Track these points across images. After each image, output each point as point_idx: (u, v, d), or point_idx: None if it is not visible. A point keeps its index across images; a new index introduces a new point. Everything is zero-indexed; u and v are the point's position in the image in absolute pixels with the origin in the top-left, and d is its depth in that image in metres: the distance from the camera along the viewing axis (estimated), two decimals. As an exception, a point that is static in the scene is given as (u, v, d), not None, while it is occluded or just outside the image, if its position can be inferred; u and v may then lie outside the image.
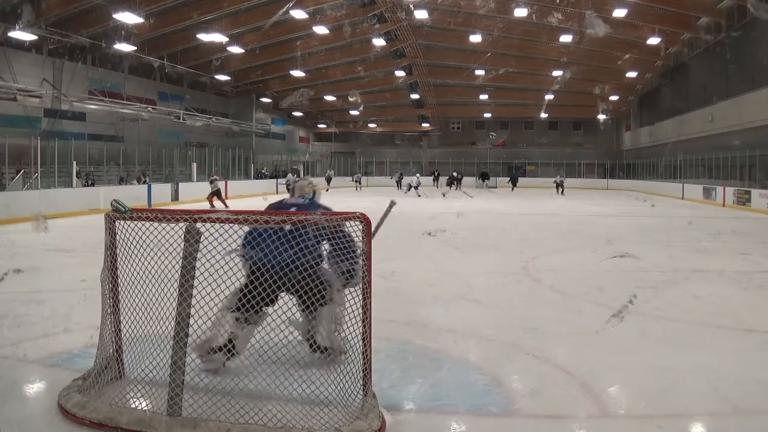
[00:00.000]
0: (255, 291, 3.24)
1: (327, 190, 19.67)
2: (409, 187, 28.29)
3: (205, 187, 22.44)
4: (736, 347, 4.45)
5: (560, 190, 30.01)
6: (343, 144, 47.32)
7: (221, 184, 20.18)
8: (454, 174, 34.64)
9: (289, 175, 30.17)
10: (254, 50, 28.03)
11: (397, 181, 35.03)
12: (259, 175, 32.89)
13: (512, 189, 33.29)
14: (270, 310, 3.43)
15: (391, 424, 3.04)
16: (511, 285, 6.81)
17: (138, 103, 26.38)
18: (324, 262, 3.69)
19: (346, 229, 3.47)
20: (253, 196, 25.38)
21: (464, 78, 34.17)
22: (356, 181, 36.52)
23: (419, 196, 26.14)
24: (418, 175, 30.99)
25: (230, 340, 3.53)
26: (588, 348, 4.41)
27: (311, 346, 3.77)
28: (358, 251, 3.42)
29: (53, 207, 14.43)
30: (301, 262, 3.38)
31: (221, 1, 23.06)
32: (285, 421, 2.90)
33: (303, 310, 3.68)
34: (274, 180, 30.99)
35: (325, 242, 3.61)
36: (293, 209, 3.90)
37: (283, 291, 3.48)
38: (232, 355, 3.57)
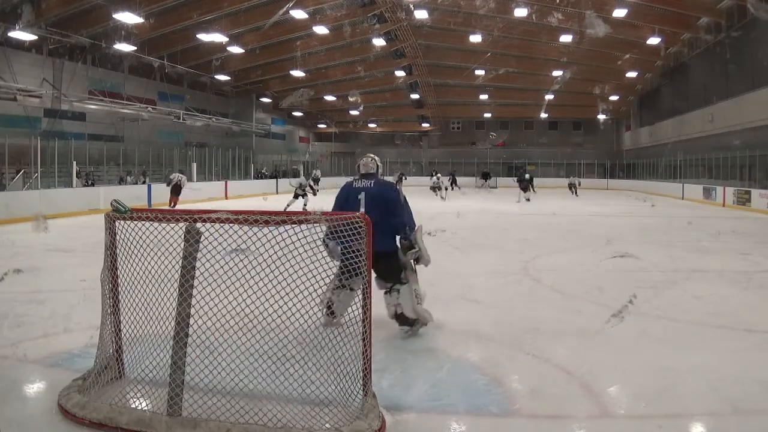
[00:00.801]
0: (345, 272, 3.47)
1: (315, 193, 18.32)
2: (438, 188, 26.31)
3: (206, 187, 22.52)
4: (736, 347, 4.45)
5: (574, 191, 28.30)
6: (343, 144, 47.32)
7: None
8: (440, 176, 33.20)
9: (317, 171, 29.54)
10: (254, 50, 28.03)
11: (396, 182, 33.08)
12: (259, 175, 32.84)
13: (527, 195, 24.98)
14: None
15: (391, 424, 3.03)
16: (511, 285, 6.81)
17: (138, 103, 26.38)
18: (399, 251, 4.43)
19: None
20: (253, 196, 25.39)
21: (464, 78, 34.18)
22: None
23: (443, 198, 24.76)
24: (439, 175, 28.47)
25: (329, 305, 4.22)
26: (588, 348, 4.40)
27: (399, 321, 4.43)
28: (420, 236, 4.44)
29: (53, 207, 14.43)
30: (377, 249, 3.52)
31: (221, 1, 23.06)
32: (285, 421, 2.90)
33: (386, 293, 4.41)
34: (275, 180, 30.98)
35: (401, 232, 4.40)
36: (362, 193, 4.44)
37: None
38: (334, 317, 4.24)
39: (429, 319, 4.53)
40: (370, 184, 4.53)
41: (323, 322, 4.06)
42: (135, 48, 23.58)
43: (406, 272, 4.44)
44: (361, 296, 3.16)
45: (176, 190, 17.31)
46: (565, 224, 14.14)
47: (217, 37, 24.47)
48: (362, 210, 4.30)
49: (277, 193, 28.95)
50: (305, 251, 3.18)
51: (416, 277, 4.55)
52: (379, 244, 3.63)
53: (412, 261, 4.53)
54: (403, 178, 33.55)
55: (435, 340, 4.53)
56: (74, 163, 18.33)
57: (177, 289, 3.10)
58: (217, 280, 3.22)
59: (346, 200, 4.52)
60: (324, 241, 3.84)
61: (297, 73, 31.26)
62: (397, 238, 4.46)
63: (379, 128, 45.66)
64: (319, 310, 3.93)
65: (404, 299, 4.36)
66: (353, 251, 3.22)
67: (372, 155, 4.82)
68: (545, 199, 25.12)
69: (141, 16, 20.27)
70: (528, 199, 23.01)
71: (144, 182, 21.94)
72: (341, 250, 3.34)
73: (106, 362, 3.47)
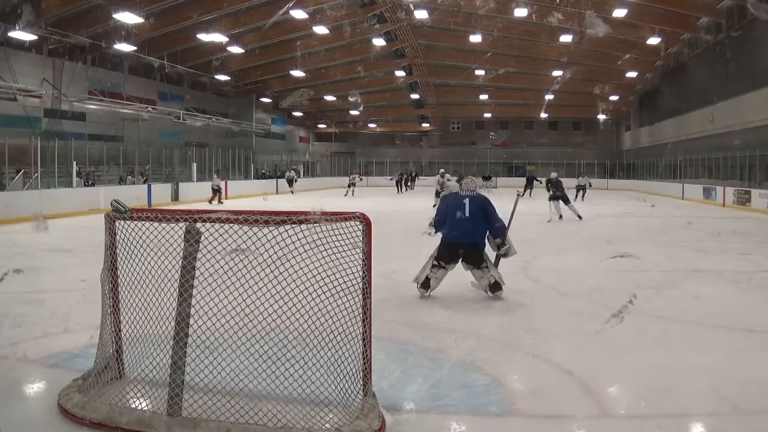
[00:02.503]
0: (444, 253, 5.90)
1: (292, 192, 18.08)
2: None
3: (206, 187, 22.50)
4: (736, 347, 4.45)
5: (582, 194, 23.68)
6: (343, 144, 47.33)
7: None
8: (413, 173, 32.56)
9: (292, 172, 30.01)
10: (254, 50, 28.02)
11: (396, 182, 32.59)
12: (261, 175, 32.80)
13: (530, 194, 23.73)
14: (451, 267, 5.93)
15: (391, 424, 3.03)
16: (511, 285, 6.80)
17: (138, 103, 26.38)
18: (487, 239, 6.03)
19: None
20: (253, 196, 25.39)
21: (464, 78, 34.18)
22: (350, 184, 28.23)
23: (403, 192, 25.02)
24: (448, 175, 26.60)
25: (427, 279, 5.86)
26: (588, 348, 4.40)
27: (491, 290, 5.89)
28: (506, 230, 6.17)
29: (53, 207, 14.42)
30: (474, 239, 5.89)
31: (221, 1, 23.06)
32: (285, 421, 2.90)
33: (477, 269, 5.89)
34: (274, 180, 30.98)
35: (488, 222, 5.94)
36: (467, 199, 5.99)
37: (456, 258, 5.92)
38: (428, 290, 5.89)
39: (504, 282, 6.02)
40: (473, 194, 6.12)
41: (419, 295, 5.88)
42: (135, 48, 23.57)
43: (487, 262, 5.98)
44: (361, 296, 3.16)
45: (217, 191, 20.28)
46: (565, 224, 14.13)
47: (217, 37, 24.47)
48: (467, 210, 5.89)
49: (276, 193, 28.96)
50: (305, 251, 3.17)
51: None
52: (476, 239, 5.90)
53: (494, 256, 6.11)
54: (403, 178, 33.45)
55: (435, 340, 4.54)
56: (74, 163, 18.31)
57: (177, 289, 3.10)
58: (217, 280, 3.22)
59: (451, 204, 6.10)
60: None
61: (297, 73, 31.26)
62: (487, 237, 6.05)
63: (379, 128, 45.65)
64: (415, 283, 5.91)
65: (494, 271, 5.91)
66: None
67: (473, 177, 6.71)
68: (545, 199, 25.05)
69: (141, 16, 20.26)
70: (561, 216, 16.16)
71: (145, 181, 21.95)
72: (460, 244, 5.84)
73: (106, 362, 3.47)
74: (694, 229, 13.14)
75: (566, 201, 14.88)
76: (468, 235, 5.83)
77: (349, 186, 27.82)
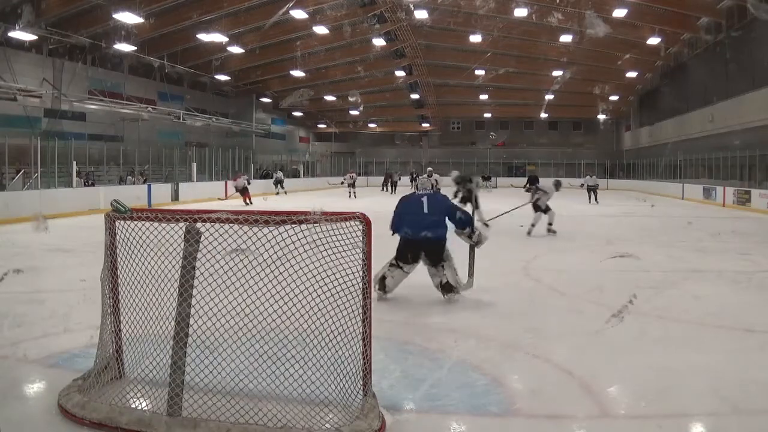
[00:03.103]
0: (403, 253, 5.75)
1: (278, 193, 17.73)
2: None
3: (206, 187, 22.52)
4: (736, 347, 4.45)
5: (594, 196, 22.51)
6: (343, 144, 47.32)
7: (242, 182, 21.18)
8: (412, 173, 31.38)
9: (279, 173, 29.68)
10: (254, 50, 28.02)
11: (384, 182, 32.34)
12: (264, 175, 32.75)
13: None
14: (410, 269, 5.77)
15: (391, 424, 3.03)
16: (511, 285, 6.81)
17: (138, 103, 26.37)
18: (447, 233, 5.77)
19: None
20: (253, 196, 25.33)
21: (464, 78, 34.17)
22: (349, 185, 26.75)
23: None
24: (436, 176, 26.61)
25: (383, 277, 5.72)
26: (588, 348, 4.40)
27: (443, 290, 5.71)
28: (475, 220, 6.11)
29: (53, 207, 14.42)
30: (435, 236, 5.66)
31: (221, 1, 23.06)
32: (285, 421, 2.90)
33: (433, 266, 5.72)
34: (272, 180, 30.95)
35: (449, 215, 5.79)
36: (425, 198, 5.85)
37: (421, 254, 5.71)
38: (386, 291, 5.75)
39: (468, 287, 5.87)
40: (431, 191, 6.06)
41: (376, 297, 5.07)
42: (135, 48, 23.56)
43: (449, 260, 5.81)
44: (361, 296, 3.16)
45: (244, 190, 20.43)
46: (565, 224, 14.11)
47: (217, 37, 24.46)
48: (425, 207, 5.76)
49: (276, 193, 28.93)
50: (305, 251, 3.17)
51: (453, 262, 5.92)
52: (437, 233, 5.66)
53: (468, 246, 5.98)
54: (401, 179, 33.27)
55: (435, 340, 4.54)
56: (74, 163, 18.31)
57: (177, 289, 3.10)
58: (217, 280, 3.22)
59: (408, 204, 5.99)
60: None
61: (297, 73, 31.25)
62: (448, 229, 5.88)
63: (379, 128, 45.65)
64: (374, 285, 5.09)
65: (449, 271, 5.73)
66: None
67: (429, 172, 6.70)
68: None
69: (141, 16, 20.26)
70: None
71: (145, 181, 21.94)
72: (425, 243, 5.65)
73: (106, 362, 3.46)
74: (694, 229, 13.13)
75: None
76: (427, 230, 5.67)
77: (349, 186, 26.59)
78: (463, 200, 11.41)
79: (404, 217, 5.83)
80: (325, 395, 3.12)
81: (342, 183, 28.03)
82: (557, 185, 12.19)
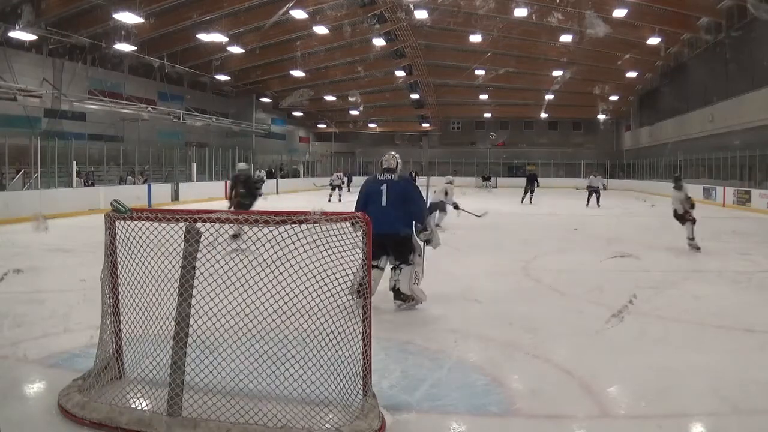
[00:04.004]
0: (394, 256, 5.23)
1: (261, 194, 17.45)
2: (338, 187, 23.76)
3: (206, 187, 22.49)
4: (736, 347, 4.45)
5: (597, 197, 20.24)
6: (343, 144, 47.32)
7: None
8: (412, 173, 31.17)
9: (242, 164, 29.08)
10: (254, 50, 28.01)
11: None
12: (269, 175, 32.65)
13: (530, 200, 21.88)
14: (383, 263, 5.25)
15: (391, 424, 3.03)
16: (511, 285, 6.81)
17: (138, 103, 26.35)
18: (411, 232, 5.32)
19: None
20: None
21: (464, 78, 34.16)
22: (335, 186, 23.86)
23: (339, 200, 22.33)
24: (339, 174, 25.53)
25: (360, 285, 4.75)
26: (588, 348, 4.41)
27: (395, 295, 5.29)
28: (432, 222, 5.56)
29: (53, 207, 14.41)
30: (395, 232, 5.06)
31: (221, 1, 23.05)
32: (285, 421, 2.90)
33: (392, 268, 5.26)
34: (274, 180, 30.94)
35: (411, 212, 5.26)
36: (384, 185, 5.29)
37: (384, 252, 5.17)
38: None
39: (422, 299, 5.32)
40: (391, 177, 5.41)
41: (353, 302, 4.01)
42: (135, 48, 23.55)
43: (414, 255, 5.28)
44: (361, 296, 3.16)
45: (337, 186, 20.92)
46: (565, 224, 14.13)
47: (217, 37, 24.44)
48: (384, 199, 5.19)
49: (276, 193, 28.93)
50: (305, 251, 3.17)
51: (422, 262, 5.44)
52: (398, 228, 5.07)
53: (422, 244, 5.46)
54: (416, 176, 33.13)
55: (435, 340, 4.54)
56: (74, 163, 18.31)
57: (177, 289, 3.10)
58: (217, 280, 3.22)
59: (369, 192, 5.36)
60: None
61: (297, 73, 31.24)
62: (413, 224, 5.34)
63: (379, 128, 45.64)
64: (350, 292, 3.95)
65: (404, 277, 5.21)
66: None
67: (393, 153, 5.66)
68: (545, 198, 25.14)
69: (141, 16, 20.24)
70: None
71: (145, 181, 21.93)
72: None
73: (106, 362, 3.46)
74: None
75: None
76: (388, 226, 4.94)
77: (333, 189, 23.38)
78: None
79: (367, 209, 5.12)
80: (325, 395, 3.12)
81: (330, 185, 24.38)
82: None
